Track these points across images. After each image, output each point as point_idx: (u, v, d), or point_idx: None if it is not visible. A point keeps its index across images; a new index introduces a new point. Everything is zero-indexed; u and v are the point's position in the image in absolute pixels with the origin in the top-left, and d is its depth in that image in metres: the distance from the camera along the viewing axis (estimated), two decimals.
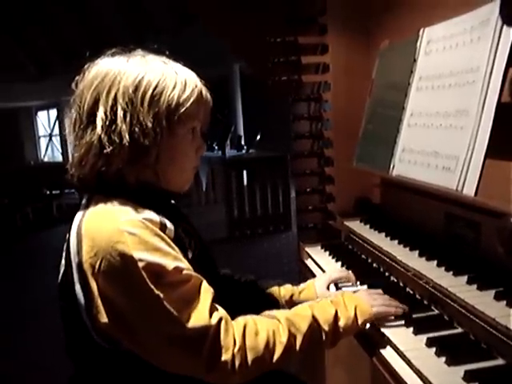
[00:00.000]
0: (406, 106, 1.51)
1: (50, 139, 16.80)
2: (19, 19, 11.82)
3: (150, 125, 1.00)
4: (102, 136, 0.99)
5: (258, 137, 7.74)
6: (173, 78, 1.05)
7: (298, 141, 2.10)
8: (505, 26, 1.11)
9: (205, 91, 1.11)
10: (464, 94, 1.22)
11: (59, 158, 15.85)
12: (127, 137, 0.99)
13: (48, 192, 9.67)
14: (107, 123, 1.00)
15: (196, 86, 1.08)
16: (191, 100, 1.05)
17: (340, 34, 1.91)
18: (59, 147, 16.18)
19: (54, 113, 16.20)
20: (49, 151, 16.94)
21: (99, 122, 1.00)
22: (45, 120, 16.94)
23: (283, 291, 1.39)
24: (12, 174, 9.49)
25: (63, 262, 1.03)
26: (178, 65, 1.11)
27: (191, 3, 4.40)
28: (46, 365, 3.14)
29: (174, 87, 1.04)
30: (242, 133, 9.79)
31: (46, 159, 16.68)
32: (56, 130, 16.25)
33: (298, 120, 2.10)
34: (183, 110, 1.04)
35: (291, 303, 1.36)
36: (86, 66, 1.08)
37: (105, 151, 0.99)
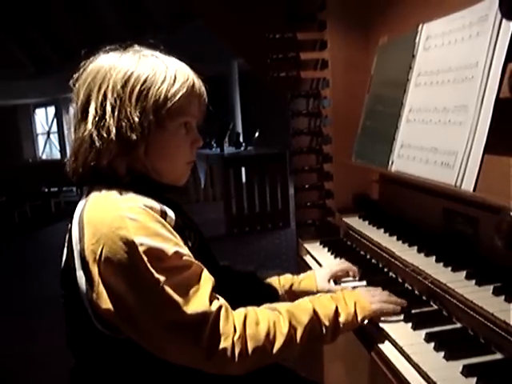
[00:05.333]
0: (405, 102, 1.51)
1: (48, 137, 16.73)
2: (17, 16, 11.78)
3: (137, 119, 1.01)
4: (93, 131, 1.02)
5: (257, 134, 7.74)
6: (162, 73, 1.05)
7: (296, 137, 2.10)
8: (503, 22, 1.11)
9: (198, 84, 1.11)
10: (463, 89, 1.22)
11: (57, 156, 15.80)
12: (114, 131, 1.01)
13: (46, 190, 9.67)
14: (97, 119, 1.02)
15: (187, 80, 1.07)
16: (180, 94, 1.05)
17: (339, 30, 1.91)
18: (57, 145, 16.12)
19: (51, 110, 16.15)
20: (47, 149, 16.87)
21: (90, 118, 1.03)
22: (43, 117, 16.88)
23: (283, 281, 1.39)
24: (10, 171, 9.50)
25: (65, 250, 1.05)
26: (170, 59, 1.10)
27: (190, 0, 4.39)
28: (45, 361, 3.15)
29: (162, 81, 1.04)
30: (240, 130, 9.77)
31: (44, 157, 16.62)
32: (54, 128, 16.18)
33: (296, 116, 2.10)
34: (172, 104, 1.04)
35: (291, 293, 1.36)
36: (82, 64, 1.09)
37: (94, 146, 1.02)
